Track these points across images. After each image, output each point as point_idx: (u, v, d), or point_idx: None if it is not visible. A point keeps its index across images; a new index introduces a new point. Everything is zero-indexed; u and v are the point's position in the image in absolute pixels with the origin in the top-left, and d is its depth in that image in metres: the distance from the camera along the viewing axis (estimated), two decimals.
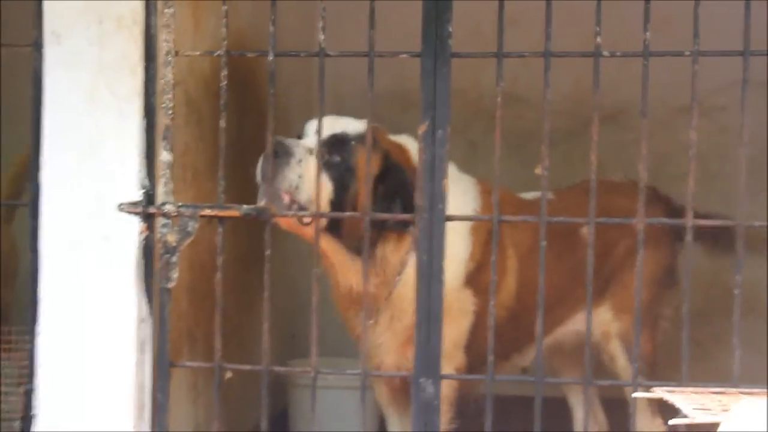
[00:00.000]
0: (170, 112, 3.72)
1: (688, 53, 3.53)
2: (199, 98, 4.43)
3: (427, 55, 3.62)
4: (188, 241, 3.73)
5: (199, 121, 4.46)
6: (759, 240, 4.75)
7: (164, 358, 3.76)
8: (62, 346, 3.74)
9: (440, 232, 3.65)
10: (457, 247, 4.27)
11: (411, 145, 4.27)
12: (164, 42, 3.70)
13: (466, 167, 4.56)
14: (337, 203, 4.10)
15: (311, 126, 4.15)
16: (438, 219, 3.66)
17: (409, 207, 3.95)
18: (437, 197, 3.65)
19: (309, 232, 4.07)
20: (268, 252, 3.70)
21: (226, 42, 3.71)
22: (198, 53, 3.91)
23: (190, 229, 3.72)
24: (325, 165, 4.08)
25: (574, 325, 4.79)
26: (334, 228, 4.18)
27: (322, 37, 3.64)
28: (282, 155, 4.03)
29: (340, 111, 6.57)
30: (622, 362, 4.82)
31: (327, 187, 4.10)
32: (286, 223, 4.15)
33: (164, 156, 3.73)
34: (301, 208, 4.05)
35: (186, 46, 4.03)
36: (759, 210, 4.67)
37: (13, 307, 5.07)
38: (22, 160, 4.58)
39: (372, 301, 4.25)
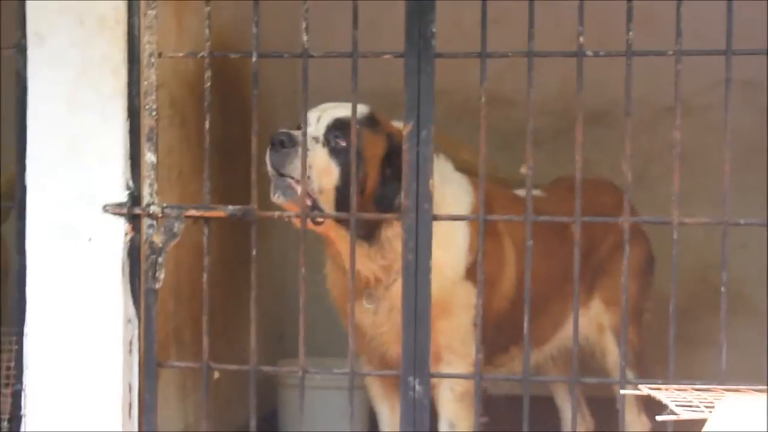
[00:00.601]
0: (154, 113, 3.72)
1: (671, 52, 3.54)
2: (183, 99, 4.43)
3: (410, 55, 3.63)
4: (174, 242, 3.74)
5: (184, 122, 4.46)
6: None
7: (151, 358, 3.76)
8: (50, 347, 3.75)
9: (427, 231, 3.66)
10: (458, 240, 4.28)
11: None
12: (147, 43, 3.70)
13: None
14: (344, 188, 4.05)
15: (313, 115, 4.13)
16: (424, 219, 3.67)
17: None
18: (423, 197, 3.66)
19: (323, 229, 4.10)
20: (254, 252, 3.70)
21: (209, 43, 3.71)
22: (181, 54, 3.91)
23: (175, 230, 3.72)
24: (332, 151, 4.06)
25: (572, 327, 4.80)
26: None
27: (305, 37, 3.65)
28: (289, 145, 4.00)
29: None
30: (613, 357, 4.83)
31: (334, 173, 4.06)
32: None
33: (149, 157, 3.73)
34: (312, 198, 4.02)
35: (169, 47, 4.03)
36: (749, 208, 4.68)
37: (4, 308, 5.06)
38: None
39: (375, 286, 4.24)
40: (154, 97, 3.72)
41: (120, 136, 3.72)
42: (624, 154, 3.59)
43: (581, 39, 3.56)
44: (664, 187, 3.61)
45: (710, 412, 2.77)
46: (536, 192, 4.51)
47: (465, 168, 4.48)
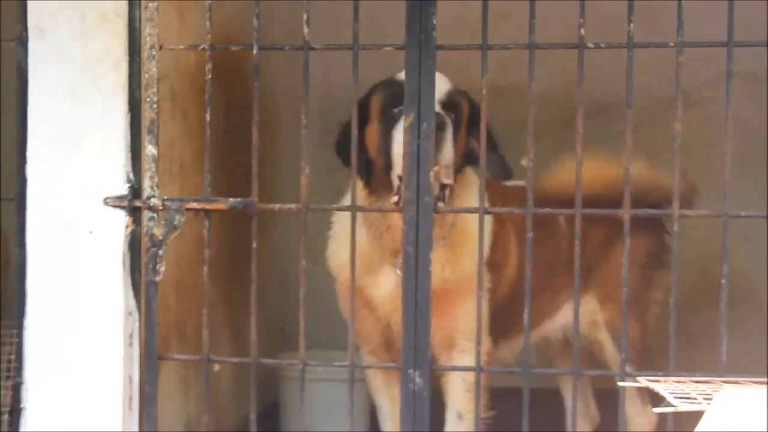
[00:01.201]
0: (155, 105, 3.72)
1: (672, 44, 3.53)
2: (184, 92, 4.43)
3: (411, 48, 3.62)
4: (175, 234, 3.74)
5: (185, 115, 4.46)
6: None
7: (152, 351, 3.77)
8: (50, 340, 3.75)
9: (427, 224, 3.66)
10: (475, 230, 4.29)
11: None
12: (148, 36, 3.70)
13: None
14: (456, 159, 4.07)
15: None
16: (425, 211, 3.67)
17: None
18: (424, 189, 3.65)
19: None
20: (255, 245, 3.70)
21: (210, 36, 3.71)
22: (182, 47, 3.90)
23: (176, 222, 3.72)
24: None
25: (565, 316, 4.80)
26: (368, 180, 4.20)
27: (306, 30, 3.65)
28: (442, 128, 3.95)
29: (329, 103, 6.61)
30: (610, 351, 4.82)
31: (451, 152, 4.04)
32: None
33: (150, 150, 3.73)
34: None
35: (170, 40, 4.03)
36: (751, 200, 4.68)
37: (4, 301, 5.07)
38: None
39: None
40: (155, 89, 3.71)
41: (121, 129, 3.72)
42: (625, 147, 3.59)
43: (582, 31, 3.55)
44: (667, 179, 3.60)
45: (708, 404, 2.77)
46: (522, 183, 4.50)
47: None
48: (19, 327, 3.78)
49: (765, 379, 3.11)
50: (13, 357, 3.90)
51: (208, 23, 3.71)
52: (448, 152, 4.00)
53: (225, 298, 5.14)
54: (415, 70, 3.62)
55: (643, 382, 3.02)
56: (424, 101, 3.62)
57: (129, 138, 3.73)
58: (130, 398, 3.78)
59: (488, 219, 4.36)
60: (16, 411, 3.79)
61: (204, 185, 3.74)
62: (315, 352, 5.38)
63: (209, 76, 3.71)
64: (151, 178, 3.74)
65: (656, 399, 3.01)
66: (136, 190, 3.74)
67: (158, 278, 3.74)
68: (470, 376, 4.24)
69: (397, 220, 4.00)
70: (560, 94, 6.05)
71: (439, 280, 4.18)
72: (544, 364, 5.09)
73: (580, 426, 5.14)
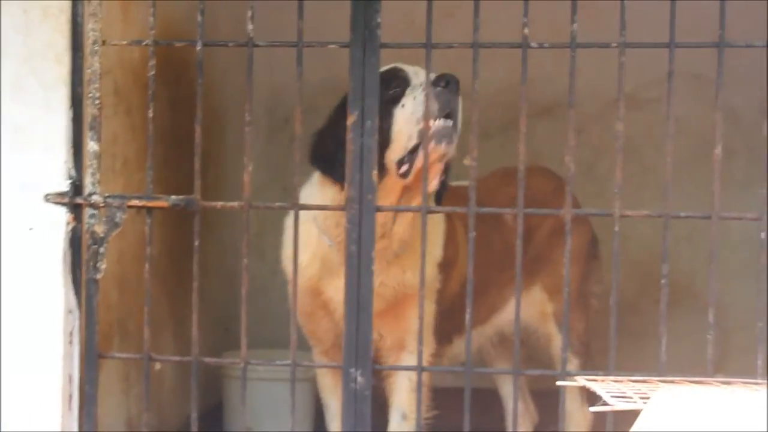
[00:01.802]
0: (97, 101, 3.69)
1: (614, 45, 3.55)
2: (128, 88, 4.41)
3: (356, 45, 3.61)
4: (116, 232, 3.71)
5: (129, 111, 4.43)
6: None
7: (92, 349, 3.74)
8: None
9: (370, 222, 3.66)
10: (439, 231, 4.34)
11: None
12: (91, 31, 3.67)
13: None
14: None
15: (420, 71, 4.09)
16: (368, 210, 3.66)
17: None
18: (367, 188, 3.65)
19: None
20: (196, 243, 3.68)
21: (153, 31, 3.68)
22: (125, 42, 3.87)
23: (117, 219, 3.70)
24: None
25: (510, 311, 4.81)
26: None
27: (250, 27, 3.63)
28: (455, 87, 3.97)
29: (275, 100, 6.59)
30: (558, 342, 4.84)
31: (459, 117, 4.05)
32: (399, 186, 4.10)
33: (92, 146, 3.70)
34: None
35: (115, 35, 4.00)
36: (697, 200, 4.71)
37: None
38: None
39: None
40: (97, 85, 3.68)
41: (63, 125, 3.69)
42: (568, 146, 3.60)
43: (526, 31, 3.56)
44: (613, 180, 3.62)
45: (645, 403, 2.78)
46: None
47: None
48: None
49: (701, 379, 3.14)
50: None
51: (152, 19, 3.68)
52: (459, 119, 4.01)
53: (169, 296, 5.12)
54: (359, 67, 3.61)
55: (582, 381, 3.03)
56: (368, 99, 3.61)
57: (71, 134, 3.70)
58: (70, 397, 3.75)
59: (441, 219, 4.37)
60: None
61: (146, 182, 3.72)
62: (262, 351, 5.36)
63: (152, 72, 3.68)
64: (93, 174, 3.71)
65: (595, 398, 3.03)
66: (77, 187, 3.71)
67: (99, 276, 3.71)
68: (416, 376, 4.24)
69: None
70: (508, 95, 6.07)
71: (400, 284, 4.18)
72: (482, 365, 5.10)
73: (520, 425, 5.16)
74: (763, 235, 3.51)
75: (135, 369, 4.56)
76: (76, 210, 3.71)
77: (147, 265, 3.71)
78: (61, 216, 3.70)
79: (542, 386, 5.09)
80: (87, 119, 3.70)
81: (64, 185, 3.69)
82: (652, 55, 3.85)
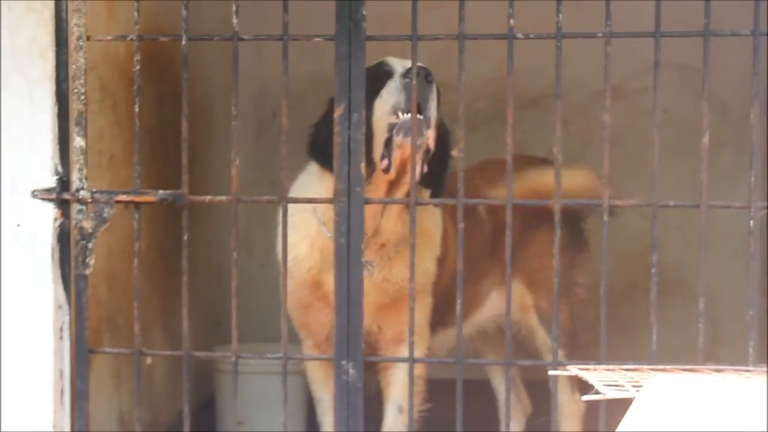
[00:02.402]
0: (83, 97, 3.68)
1: (600, 35, 3.55)
2: (113, 83, 4.40)
3: (341, 38, 3.61)
4: (104, 227, 3.70)
5: (115, 107, 4.42)
6: None
7: (83, 344, 3.73)
8: None
9: (359, 215, 3.66)
10: (437, 225, 4.34)
11: None
12: (75, 26, 3.66)
13: None
14: None
15: (398, 62, 4.09)
16: (356, 202, 3.66)
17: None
18: (355, 180, 3.65)
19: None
20: (185, 237, 3.68)
21: (138, 26, 3.67)
22: (110, 38, 3.86)
23: (105, 215, 3.69)
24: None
25: (494, 305, 4.82)
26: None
27: (235, 20, 3.62)
28: (431, 81, 3.95)
29: (262, 94, 6.58)
30: (541, 334, 4.86)
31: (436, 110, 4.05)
32: (386, 180, 4.08)
33: (78, 141, 3.69)
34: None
35: (99, 31, 3.99)
36: (685, 190, 4.72)
37: None
38: None
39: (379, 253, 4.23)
40: (82, 80, 3.67)
41: (48, 121, 3.68)
42: (555, 137, 3.60)
43: (511, 21, 3.55)
44: (599, 171, 3.62)
45: (637, 391, 2.79)
46: None
47: None
48: None
49: (692, 366, 3.14)
50: None
51: (136, 14, 3.68)
52: (433, 110, 3.98)
53: (158, 291, 5.11)
54: (345, 60, 3.61)
55: (574, 370, 3.04)
56: (354, 92, 3.61)
57: (57, 129, 3.69)
58: (62, 393, 3.75)
59: (438, 214, 4.36)
60: None
61: (134, 177, 3.71)
62: (253, 345, 5.36)
63: (137, 67, 3.68)
64: (80, 170, 3.70)
65: (586, 387, 3.03)
66: (64, 183, 3.70)
67: (88, 271, 3.70)
68: (416, 368, 4.23)
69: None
70: (494, 87, 6.07)
71: (403, 279, 4.16)
72: (472, 356, 5.10)
73: (513, 416, 5.16)
74: (751, 223, 3.51)
75: (126, 364, 4.55)
76: (63, 206, 3.70)
77: (136, 261, 3.71)
78: (49, 212, 3.69)
79: (532, 377, 5.12)
80: (73, 115, 3.70)
81: (51, 181, 3.69)
82: (638, 45, 3.86)
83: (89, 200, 3.68)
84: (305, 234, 4.19)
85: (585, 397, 2.83)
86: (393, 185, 4.08)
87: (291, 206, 4.29)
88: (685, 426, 2.53)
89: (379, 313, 4.24)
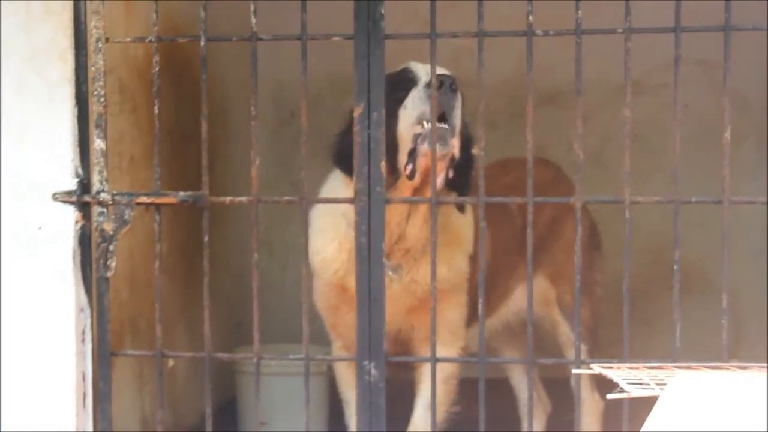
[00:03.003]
0: (102, 99, 3.68)
1: (620, 30, 3.53)
2: (132, 85, 4.40)
3: (360, 37, 3.60)
4: (125, 229, 3.70)
5: (134, 109, 4.42)
6: None
7: (105, 347, 3.74)
8: (0, 338, 3.71)
9: (379, 214, 3.65)
10: (469, 223, 4.33)
11: None
12: (94, 29, 3.66)
13: None
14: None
15: (421, 68, 4.07)
16: (377, 202, 3.65)
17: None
18: (375, 180, 3.64)
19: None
20: (206, 238, 3.67)
21: (157, 28, 3.68)
22: (128, 40, 3.87)
23: (126, 217, 3.69)
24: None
25: (519, 299, 4.80)
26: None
27: (254, 20, 3.62)
28: (455, 89, 3.92)
29: (280, 94, 6.57)
30: (564, 328, 4.86)
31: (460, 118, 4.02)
32: (410, 187, 4.05)
33: (98, 144, 3.70)
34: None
35: (118, 33, 3.99)
36: (706, 185, 4.69)
37: None
38: None
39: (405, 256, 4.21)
40: (102, 83, 3.68)
41: (68, 123, 3.68)
42: (576, 134, 3.58)
43: (530, 18, 3.54)
44: (620, 168, 3.60)
45: (661, 389, 2.77)
46: None
47: None
48: None
49: (716, 364, 3.12)
50: None
51: (155, 15, 3.68)
52: (458, 119, 3.96)
53: (180, 292, 5.11)
54: (364, 59, 3.60)
55: (597, 369, 3.02)
56: (373, 91, 3.60)
57: (77, 132, 3.70)
58: (84, 395, 3.75)
59: (468, 212, 4.35)
60: None
61: (154, 179, 3.71)
62: (274, 346, 5.35)
63: (156, 68, 3.68)
64: (100, 172, 3.71)
65: (606, 384, 3.01)
66: (85, 185, 3.71)
67: (109, 274, 3.71)
68: (448, 367, 4.26)
69: (389, 217, 3.89)
70: (514, 85, 6.04)
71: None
72: (491, 354, 5.08)
73: (534, 415, 5.14)
74: None
75: (148, 366, 4.55)
76: (84, 208, 3.71)
77: (157, 262, 3.71)
78: (70, 214, 3.70)
79: (551, 374, 5.10)
80: (92, 117, 3.70)
81: (72, 184, 3.69)
82: (657, 40, 3.84)
83: (110, 202, 3.69)
84: (333, 236, 4.19)
85: (609, 396, 2.81)
86: (417, 191, 4.06)
87: (319, 209, 4.31)
88: (711, 424, 2.52)
89: (409, 314, 4.23)
